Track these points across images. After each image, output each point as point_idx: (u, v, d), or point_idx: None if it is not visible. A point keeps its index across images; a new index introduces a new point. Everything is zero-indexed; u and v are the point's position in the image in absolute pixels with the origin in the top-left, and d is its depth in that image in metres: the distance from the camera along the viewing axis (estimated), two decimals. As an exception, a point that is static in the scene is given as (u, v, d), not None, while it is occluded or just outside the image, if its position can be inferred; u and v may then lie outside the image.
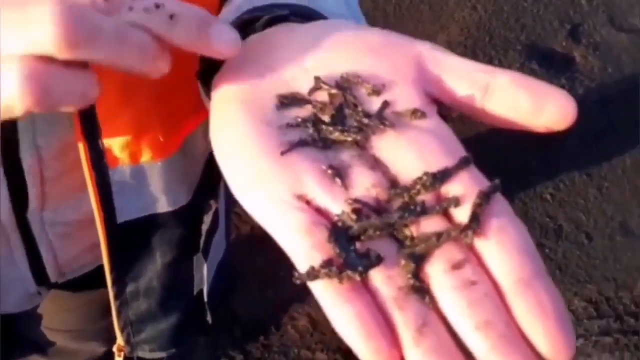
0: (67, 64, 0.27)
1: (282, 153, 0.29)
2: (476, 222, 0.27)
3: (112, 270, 0.48)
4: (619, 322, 1.36)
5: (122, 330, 0.54)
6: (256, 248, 1.34)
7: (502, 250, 0.26)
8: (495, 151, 1.46)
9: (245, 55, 0.33)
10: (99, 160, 0.42)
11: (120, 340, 0.55)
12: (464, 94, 0.30)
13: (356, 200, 0.28)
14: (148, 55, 0.29)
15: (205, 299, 0.59)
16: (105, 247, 0.46)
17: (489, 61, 1.70)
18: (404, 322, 0.25)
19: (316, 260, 0.26)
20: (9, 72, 0.26)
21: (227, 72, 0.33)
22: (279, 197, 0.28)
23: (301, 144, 0.29)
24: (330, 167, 0.29)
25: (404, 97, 0.31)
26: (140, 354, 0.57)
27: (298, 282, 0.26)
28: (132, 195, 0.45)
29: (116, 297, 0.51)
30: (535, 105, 0.29)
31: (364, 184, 0.28)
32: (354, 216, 0.27)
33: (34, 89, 0.26)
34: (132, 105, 0.41)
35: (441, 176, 0.28)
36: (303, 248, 0.26)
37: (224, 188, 0.56)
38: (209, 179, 0.52)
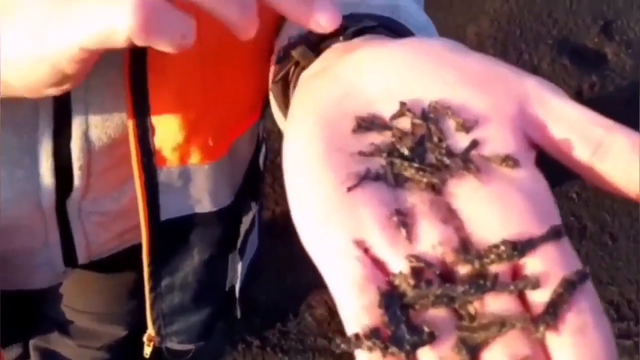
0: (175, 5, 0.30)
1: (349, 189, 0.26)
2: (553, 315, 0.23)
3: (150, 264, 0.49)
4: None
5: (154, 322, 0.54)
6: (276, 235, 1.35)
7: (577, 356, 0.23)
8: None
9: (329, 67, 0.31)
10: (149, 160, 0.42)
11: (151, 331, 0.56)
12: (570, 147, 0.26)
13: (418, 259, 0.25)
14: (246, 14, 0.31)
15: (237, 295, 0.59)
16: (146, 244, 0.47)
17: (519, 55, 1.68)
18: None
19: (364, 323, 0.24)
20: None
21: (308, 82, 0.32)
22: (339, 243, 0.26)
23: (371, 177, 0.27)
24: (397, 212, 0.26)
25: (498, 138, 0.27)
26: (169, 345, 0.58)
27: (339, 349, 0.24)
28: (177, 196, 0.45)
29: (152, 289, 0.51)
30: None
31: (431, 240, 0.25)
32: (411, 281, 0.24)
33: (143, 16, 0.28)
34: (187, 107, 0.41)
35: (522, 248, 0.24)
36: (353, 308, 0.24)
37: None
38: (252, 181, 0.52)
